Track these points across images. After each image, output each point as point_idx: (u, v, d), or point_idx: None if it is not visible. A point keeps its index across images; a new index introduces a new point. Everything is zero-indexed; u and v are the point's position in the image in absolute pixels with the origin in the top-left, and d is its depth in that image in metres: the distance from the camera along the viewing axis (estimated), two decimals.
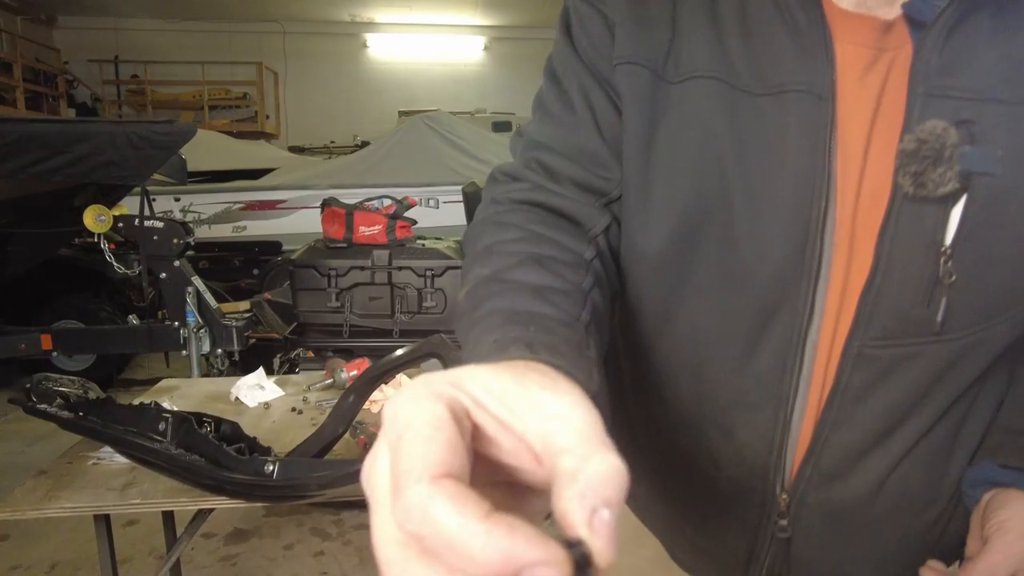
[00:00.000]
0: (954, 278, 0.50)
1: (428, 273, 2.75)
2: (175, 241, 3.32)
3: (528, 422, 0.25)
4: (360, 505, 2.82)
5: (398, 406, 0.25)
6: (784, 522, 0.61)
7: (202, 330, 3.36)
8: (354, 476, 0.91)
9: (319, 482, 0.93)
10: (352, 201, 2.95)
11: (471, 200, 3.37)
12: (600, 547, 0.23)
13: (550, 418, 0.25)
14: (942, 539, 0.62)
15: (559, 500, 0.23)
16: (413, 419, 0.24)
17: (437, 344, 0.99)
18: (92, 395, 1.53)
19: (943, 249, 0.50)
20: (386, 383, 1.72)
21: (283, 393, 1.88)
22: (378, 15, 11.40)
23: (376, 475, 0.24)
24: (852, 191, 0.52)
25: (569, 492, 0.23)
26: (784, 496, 0.60)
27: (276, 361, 2.94)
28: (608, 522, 0.23)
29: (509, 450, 0.26)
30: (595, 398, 0.34)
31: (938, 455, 0.59)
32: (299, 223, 6.19)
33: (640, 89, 0.55)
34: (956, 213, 0.49)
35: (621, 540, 0.23)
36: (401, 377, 1.80)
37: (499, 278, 0.48)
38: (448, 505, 0.21)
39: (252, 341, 3.48)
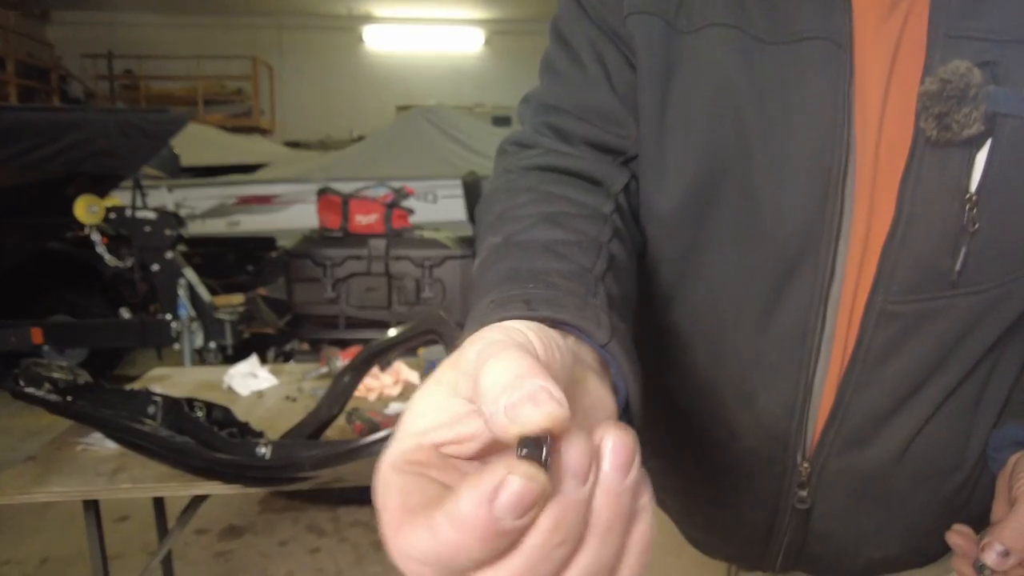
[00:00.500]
0: (977, 226, 0.47)
1: (426, 263, 2.70)
2: (167, 232, 3.28)
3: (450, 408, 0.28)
4: (356, 500, 2.78)
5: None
6: (804, 493, 0.58)
7: (195, 323, 3.32)
8: (348, 455, 0.88)
9: (312, 461, 0.89)
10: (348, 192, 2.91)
11: (471, 190, 3.34)
12: (525, 414, 0.24)
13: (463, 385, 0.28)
14: (967, 506, 0.59)
15: (492, 427, 0.25)
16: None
17: (434, 321, 0.96)
18: (81, 380, 1.49)
19: (968, 196, 0.47)
20: (382, 369, 1.69)
21: (277, 382, 1.85)
22: (375, 8, 11.35)
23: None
24: (872, 142, 0.49)
25: (491, 409, 0.25)
26: (805, 465, 0.57)
27: (271, 354, 2.90)
28: (527, 387, 0.24)
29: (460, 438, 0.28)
30: (608, 347, 0.36)
31: (962, 417, 0.56)
32: (293, 218, 6.13)
33: (653, 39, 0.52)
34: (981, 158, 0.47)
35: None
36: (399, 365, 1.76)
37: (511, 242, 0.46)
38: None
39: (246, 335, 3.44)
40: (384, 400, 1.68)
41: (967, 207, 0.47)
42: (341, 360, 1.86)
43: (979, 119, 0.45)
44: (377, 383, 1.69)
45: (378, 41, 12.11)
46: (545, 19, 0.69)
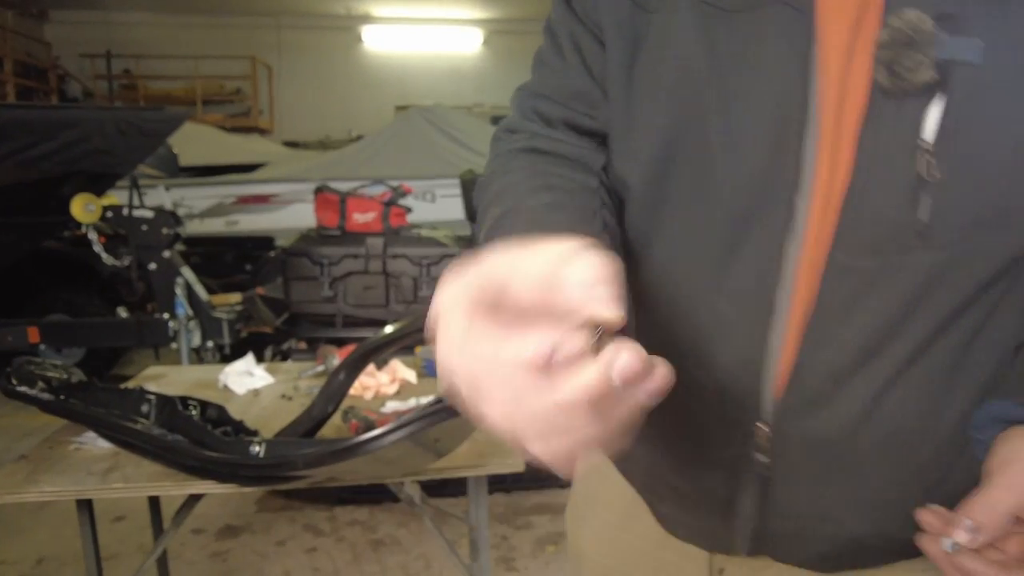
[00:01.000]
0: (938, 178, 0.47)
1: (424, 262, 2.69)
2: (164, 231, 3.26)
3: (528, 271, 0.35)
4: (353, 500, 2.77)
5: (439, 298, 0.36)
6: (765, 459, 0.56)
7: (192, 322, 3.31)
8: (343, 453, 0.86)
9: (305, 460, 0.88)
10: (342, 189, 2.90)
11: (469, 189, 3.32)
12: (601, 310, 0.33)
13: (540, 263, 0.35)
14: (943, 486, 0.55)
15: (566, 301, 0.33)
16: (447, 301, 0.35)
17: None
18: (75, 379, 1.47)
19: (925, 147, 0.47)
20: (379, 368, 1.67)
21: (273, 380, 1.83)
22: (374, 8, 11.34)
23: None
24: (834, 101, 0.49)
25: (568, 290, 0.33)
26: (764, 428, 0.55)
27: (268, 353, 2.88)
28: (602, 292, 0.33)
29: (526, 297, 0.35)
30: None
31: (933, 383, 0.53)
32: (292, 217, 6.11)
33: (620, 17, 0.55)
34: (937, 108, 0.46)
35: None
36: (395, 363, 1.75)
37: (516, 208, 0.50)
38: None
39: (243, 334, 3.43)
40: (380, 399, 1.67)
41: (925, 157, 0.46)
42: (338, 358, 1.84)
43: (929, 65, 0.45)
44: (373, 381, 1.68)
45: (377, 41, 12.09)
46: (543, 19, 0.72)
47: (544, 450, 0.33)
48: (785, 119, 0.49)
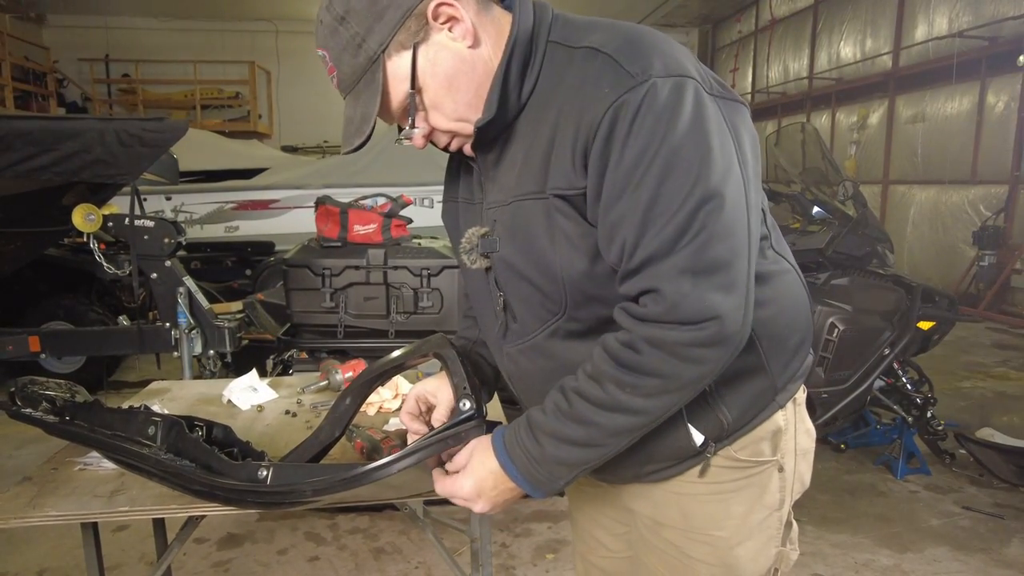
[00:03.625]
0: (505, 304, 0.96)
1: (424, 272, 2.70)
2: (166, 240, 3.26)
3: (438, 398, 1.04)
4: (355, 509, 2.78)
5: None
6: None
7: (194, 331, 3.31)
8: (351, 481, 0.87)
9: (314, 487, 0.89)
10: (346, 200, 2.90)
11: None
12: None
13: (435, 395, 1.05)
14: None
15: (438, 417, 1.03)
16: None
17: (437, 344, 0.96)
18: (79, 398, 1.48)
19: (499, 295, 0.95)
20: (382, 384, 1.68)
21: (276, 395, 1.84)
22: None
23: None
24: None
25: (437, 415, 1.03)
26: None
27: (269, 363, 2.89)
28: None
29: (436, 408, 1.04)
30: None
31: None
32: (292, 223, 6.12)
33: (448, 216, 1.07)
34: (493, 274, 0.95)
35: None
36: (397, 379, 1.75)
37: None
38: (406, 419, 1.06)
39: (245, 342, 3.43)
40: (383, 415, 1.68)
41: (500, 297, 0.97)
42: (341, 373, 1.85)
43: (478, 257, 0.94)
44: (377, 398, 1.69)
45: None
46: None
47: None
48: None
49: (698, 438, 0.89)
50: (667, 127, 0.75)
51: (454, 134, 0.91)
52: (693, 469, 0.92)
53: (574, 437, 0.83)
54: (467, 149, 0.93)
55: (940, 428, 3.12)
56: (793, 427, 0.95)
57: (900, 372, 3.10)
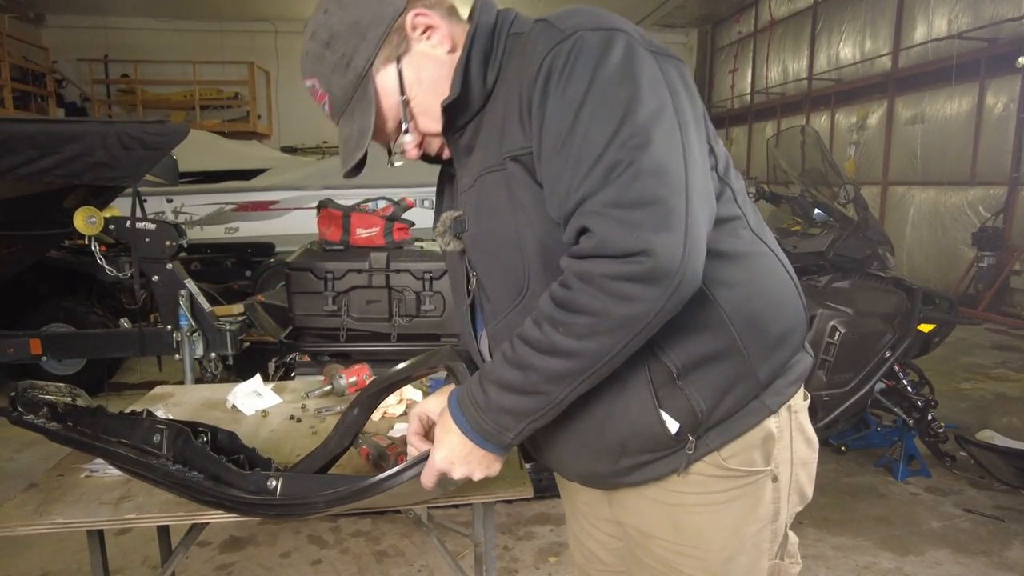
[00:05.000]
0: (478, 283, 0.97)
1: (426, 276, 2.70)
2: (168, 243, 3.27)
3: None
4: (357, 512, 2.78)
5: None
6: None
7: (195, 334, 3.31)
8: (364, 492, 0.87)
9: (326, 499, 0.89)
10: (347, 202, 2.90)
11: None
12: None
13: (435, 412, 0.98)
14: None
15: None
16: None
17: (447, 356, 0.96)
18: (80, 402, 1.47)
19: (472, 274, 0.98)
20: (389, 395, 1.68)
21: (281, 400, 1.84)
22: None
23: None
24: None
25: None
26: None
27: (271, 366, 2.89)
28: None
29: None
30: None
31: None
32: (292, 224, 6.12)
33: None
34: (467, 256, 0.98)
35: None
36: (405, 389, 1.76)
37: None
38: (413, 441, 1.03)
39: (246, 345, 3.43)
40: (388, 420, 1.68)
41: (473, 274, 1.00)
42: (345, 378, 1.85)
43: (452, 239, 0.98)
44: (383, 404, 1.69)
45: None
46: None
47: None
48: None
49: (672, 425, 0.86)
50: (595, 70, 0.78)
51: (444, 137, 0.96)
52: (675, 474, 0.89)
53: (513, 382, 0.82)
54: (446, 151, 0.99)
55: (941, 430, 3.13)
56: (788, 435, 0.92)
57: (901, 374, 3.11)
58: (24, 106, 10.14)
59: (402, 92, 0.91)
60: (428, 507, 1.56)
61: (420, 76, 0.92)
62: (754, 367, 0.87)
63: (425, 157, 1.02)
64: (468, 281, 0.98)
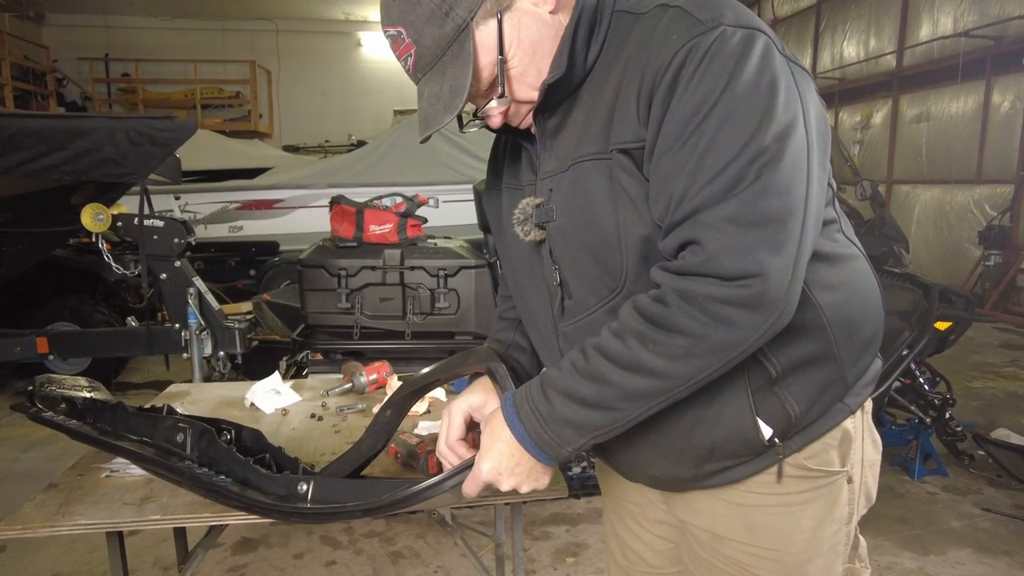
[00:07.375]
0: (561, 279, 0.89)
1: (441, 273, 2.67)
2: (176, 241, 3.23)
3: (483, 413, 0.96)
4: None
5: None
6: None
7: (204, 332, 3.28)
8: (405, 501, 0.84)
9: (364, 508, 0.86)
10: (357, 200, 2.87)
11: (481, 198, 3.28)
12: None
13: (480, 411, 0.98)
14: None
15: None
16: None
17: (486, 356, 0.92)
18: (99, 396, 1.43)
19: (555, 268, 0.89)
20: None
21: (300, 398, 1.81)
22: (372, 13, 11.29)
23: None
24: None
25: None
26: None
27: (282, 364, 2.85)
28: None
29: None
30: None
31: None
32: (297, 223, 6.10)
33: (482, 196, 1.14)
34: (548, 246, 0.90)
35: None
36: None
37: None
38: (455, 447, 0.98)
39: (255, 343, 3.40)
40: (412, 418, 1.65)
41: (556, 269, 0.90)
42: (365, 376, 1.82)
43: (532, 228, 0.89)
44: None
45: (375, 46, 12.06)
46: None
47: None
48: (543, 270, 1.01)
49: (766, 431, 0.82)
50: (731, 75, 0.72)
51: (532, 105, 0.87)
52: (760, 474, 0.86)
53: (586, 396, 0.77)
54: (527, 121, 0.90)
55: (959, 429, 3.10)
56: (861, 436, 0.90)
57: (917, 373, 3.08)
58: (24, 105, 10.09)
59: (500, 51, 0.82)
60: (452, 507, 1.53)
61: (521, 35, 0.83)
62: (844, 370, 0.85)
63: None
64: (552, 276, 0.89)
